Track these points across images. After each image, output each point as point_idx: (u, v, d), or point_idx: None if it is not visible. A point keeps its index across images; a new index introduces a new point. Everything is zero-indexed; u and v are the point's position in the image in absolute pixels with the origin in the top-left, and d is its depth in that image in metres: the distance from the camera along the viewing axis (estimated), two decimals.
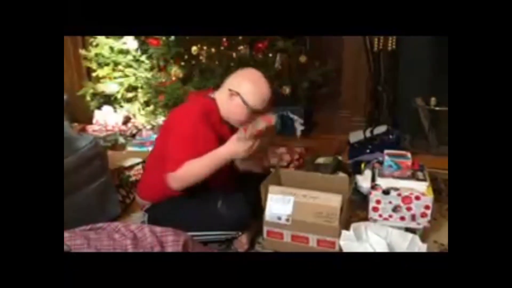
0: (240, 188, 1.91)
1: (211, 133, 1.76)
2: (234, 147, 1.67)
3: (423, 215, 1.82)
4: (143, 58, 3.07)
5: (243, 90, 1.75)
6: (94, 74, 3.24)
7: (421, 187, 1.83)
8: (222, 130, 1.83)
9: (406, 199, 1.81)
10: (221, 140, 1.75)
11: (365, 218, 1.91)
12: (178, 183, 1.71)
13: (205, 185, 1.75)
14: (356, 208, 2.13)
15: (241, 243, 1.88)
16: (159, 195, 1.85)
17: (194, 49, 2.84)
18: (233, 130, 1.82)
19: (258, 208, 1.88)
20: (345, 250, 1.65)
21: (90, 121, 3.29)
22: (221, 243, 1.91)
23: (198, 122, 1.73)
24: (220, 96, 1.82)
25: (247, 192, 1.87)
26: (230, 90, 1.77)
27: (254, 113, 1.75)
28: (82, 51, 3.22)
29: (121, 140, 3.00)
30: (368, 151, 2.65)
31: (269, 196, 1.84)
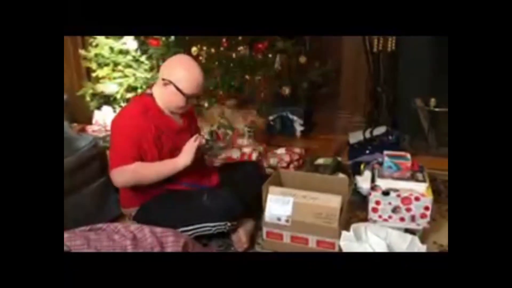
0: (230, 184, 1.93)
1: (151, 127, 1.77)
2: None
3: (423, 216, 1.82)
4: (142, 58, 3.07)
5: (175, 78, 1.76)
6: (93, 74, 3.22)
7: (421, 188, 1.83)
8: (166, 121, 1.84)
9: (405, 200, 1.81)
10: (168, 131, 1.82)
11: (365, 219, 1.91)
12: (119, 178, 1.76)
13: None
14: (356, 209, 2.12)
15: (241, 242, 1.87)
16: (138, 199, 1.86)
17: (194, 49, 2.83)
18: (176, 119, 1.87)
19: (253, 205, 1.88)
20: (345, 250, 1.65)
21: (89, 122, 3.27)
22: (221, 245, 1.90)
23: (134, 120, 1.76)
24: (156, 89, 1.84)
25: (238, 187, 1.88)
26: (163, 79, 1.78)
27: (191, 97, 1.80)
28: (82, 51, 3.21)
29: None
30: (367, 152, 2.65)
31: (269, 196, 1.84)
